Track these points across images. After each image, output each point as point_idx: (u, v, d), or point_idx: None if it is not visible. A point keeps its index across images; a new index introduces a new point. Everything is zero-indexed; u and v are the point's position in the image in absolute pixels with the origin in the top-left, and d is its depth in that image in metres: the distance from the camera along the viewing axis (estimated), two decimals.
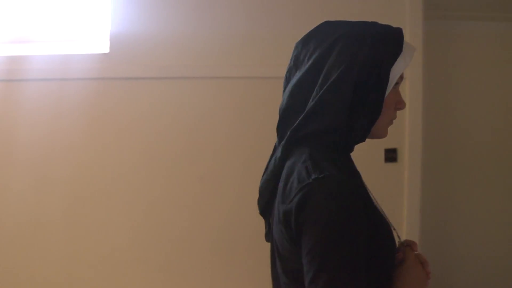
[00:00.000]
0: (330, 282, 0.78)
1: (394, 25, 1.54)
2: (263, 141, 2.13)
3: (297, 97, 0.94)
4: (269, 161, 1.04)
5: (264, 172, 1.04)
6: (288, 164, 0.93)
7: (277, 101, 2.01)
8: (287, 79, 1.00)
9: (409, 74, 2.12)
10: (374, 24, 0.96)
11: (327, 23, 0.97)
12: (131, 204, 2.16)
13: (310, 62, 0.92)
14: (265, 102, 2.13)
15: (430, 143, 2.39)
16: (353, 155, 1.88)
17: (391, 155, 2.16)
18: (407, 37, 2.07)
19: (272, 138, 2.03)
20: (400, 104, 0.99)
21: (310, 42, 0.95)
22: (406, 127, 2.17)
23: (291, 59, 1.00)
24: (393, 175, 2.18)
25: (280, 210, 0.87)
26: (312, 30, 0.98)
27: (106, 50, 2.15)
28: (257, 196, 1.05)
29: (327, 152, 0.91)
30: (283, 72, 2.02)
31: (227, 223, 2.18)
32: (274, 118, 1.99)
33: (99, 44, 2.19)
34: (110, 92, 2.16)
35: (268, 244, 1.07)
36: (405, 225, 2.17)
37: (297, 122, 0.91)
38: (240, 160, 2.17)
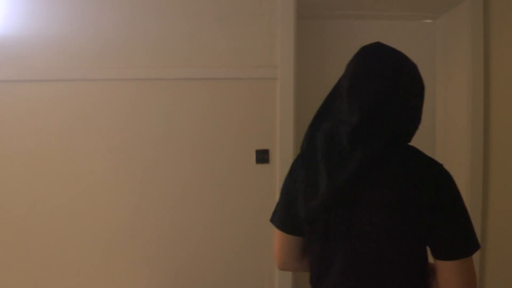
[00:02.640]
0: (476, 239, 1.05)
1: (266, 24, 2.14)
2: (135, 141, 2.17)
3: (378, 106, 1.08)
4: (327, 163, 1.11)
5: (330, 173, 1.09)
6: (393, 159, 1.07)
7: (149, 102, 2.18)
8: (353, 89, 1.11)
9: (279, 75, 2.15)
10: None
11: (383, 47, 1.15)
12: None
13: (383, 79, 1.08)
14: (140, 103, 2.16)
15: None
16: (225, 155, 2.19)
17: (262, 156, 2.17)
18: (279, 37, 2.14)
19: (144, 138, 2.17)
20: None
21: (376, 59, 1.12)
22: (277, 128, 2.18)
23: (351, 72, 1.14)
24: (265, 176, 2.19)
25: (427, 197, 1.02)
26: (373, 52, 1.14)
27: None
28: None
29: None
30: (154, 74, 2.14)
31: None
32: (146, 119, 2.14)
33: None
34: None
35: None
36: None
37: (397, 125, 1.08)
38: (114, 161, 2.17)
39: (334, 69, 2.50)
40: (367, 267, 1.08)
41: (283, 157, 2.14)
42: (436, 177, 1.04)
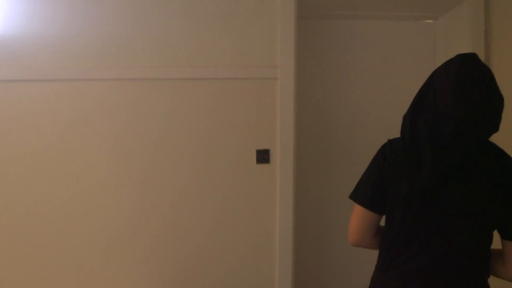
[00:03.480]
0: None
1: (267, 24, 2.16)
2: (136, 141, 2.17)
3: (480, 107, 1.26)
4: (431, 151, 1.27)
5: (435, 160, 1.25)
6: (484, 153, 1.30)
7: (149, 102, 2.19)
8: (460, 90, 1.27)
9: (280, 74, 2.16)
10: None
11: (479, 60, 1.32)
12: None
13: (484, 85, 1.27)
14: (140, 103, 2.16)
15: (303, 143, 2.47)
16: (226, 155, 2.21)
17: (263, 156, 2.17)
18: (279, 37, 2.15)
19: (144, 138, 2.18)
20: None
21: (477, 69, 1.29)
22: (277, 128, 2.18)
23: (455, 75, 1.28)
24: (266, 176, 2.19)
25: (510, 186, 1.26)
26: (474, 62, 1.30)
27: None
28: None
29: None
30: (155, 73, 2.15)
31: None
32: (146, 119, 2.15)
33: None
34: None
35: None
36: (278, 226, 2.18)
37: (490, 126, 1.28)
38: (114, 161, 2.18)
39: (334, 69, 2.56)
40: (447, 244, 1.27)
41: (284, 157, 2.14)
42: None
